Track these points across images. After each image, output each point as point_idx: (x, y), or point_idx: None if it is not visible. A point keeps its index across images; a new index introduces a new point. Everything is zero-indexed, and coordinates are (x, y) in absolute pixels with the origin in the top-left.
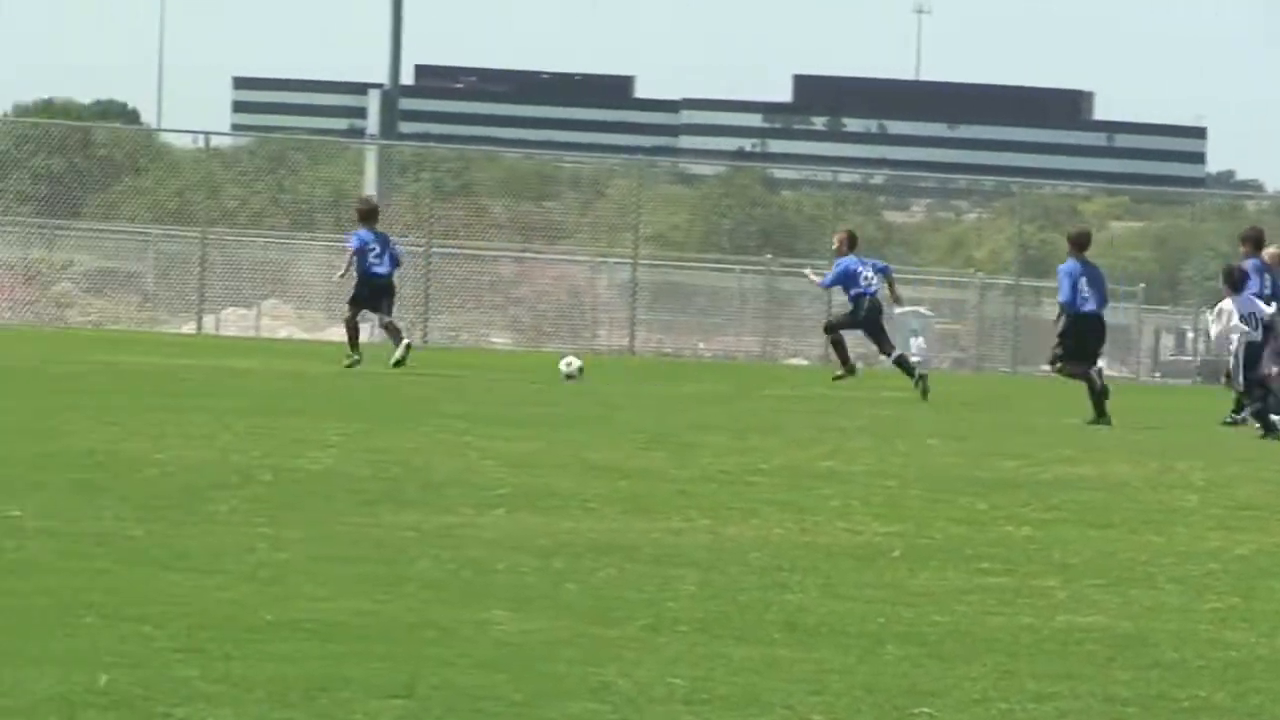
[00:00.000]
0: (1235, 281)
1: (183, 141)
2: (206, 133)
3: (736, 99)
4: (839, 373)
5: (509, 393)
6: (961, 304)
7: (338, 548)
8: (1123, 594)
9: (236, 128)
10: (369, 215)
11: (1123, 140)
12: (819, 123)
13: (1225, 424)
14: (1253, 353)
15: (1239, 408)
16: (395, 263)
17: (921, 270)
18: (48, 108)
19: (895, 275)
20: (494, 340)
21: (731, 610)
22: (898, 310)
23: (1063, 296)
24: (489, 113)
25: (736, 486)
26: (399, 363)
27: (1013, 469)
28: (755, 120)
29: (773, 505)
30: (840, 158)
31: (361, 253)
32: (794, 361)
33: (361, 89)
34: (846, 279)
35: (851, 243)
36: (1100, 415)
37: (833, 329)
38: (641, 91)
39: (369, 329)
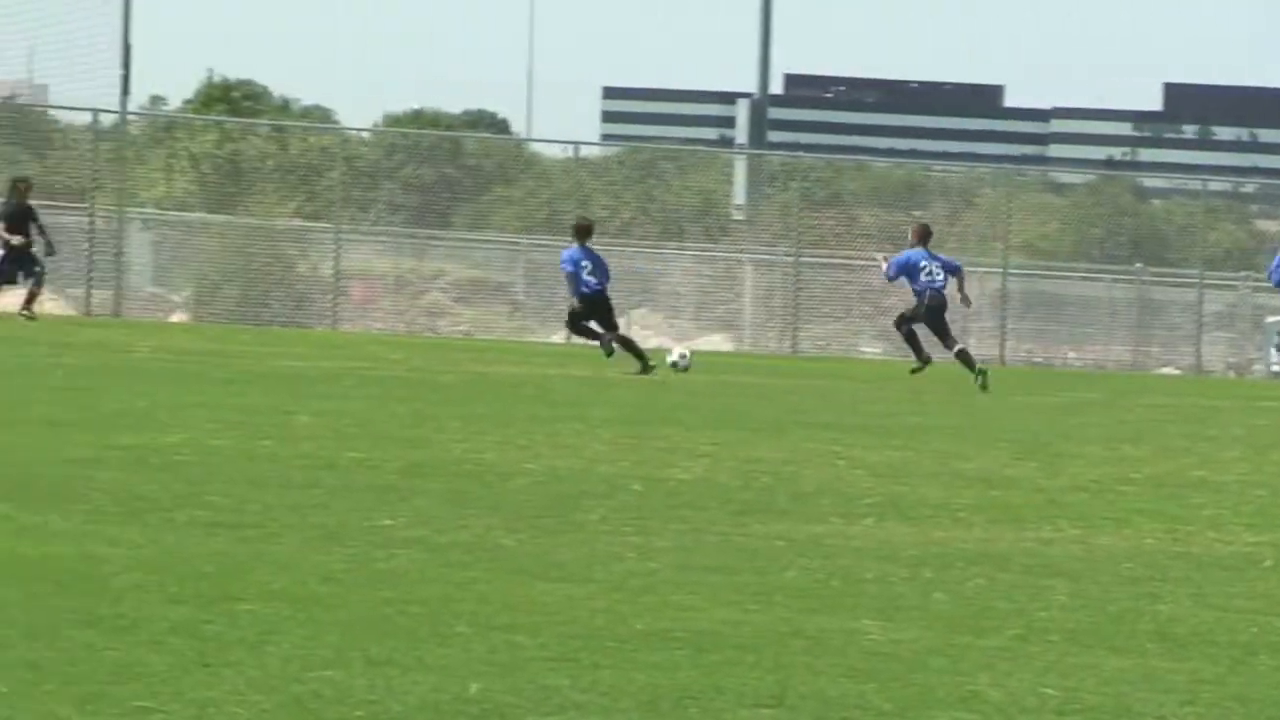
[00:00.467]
0: None
1: (552, 151)
2: (576, 143)
3: (1106, 108)
4: (915, 365)
5: (878, 402)
6: None
7: (707, 557)
8: None
9: (606, 138)
10: (585, 232)
11: None
12: (1189, 131)
13: None
14: None
15: None
16: (606, 276)
17: None
18: (418, 118)
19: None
20: (863, 350)
21: (1102, 620)
22: (1269, 319)
23: None
24: (857, 122)
25: (1107, 496)
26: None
27: None
28: (1125, 129)
29: (1144, 515)
30: (1210, 166)
31: (575, 273)
32: (1165, 371)
33: (730, 98)
34: (908, 271)
35: (923, 236)
36: None
37: (902, 323)
38: (1011, 100)
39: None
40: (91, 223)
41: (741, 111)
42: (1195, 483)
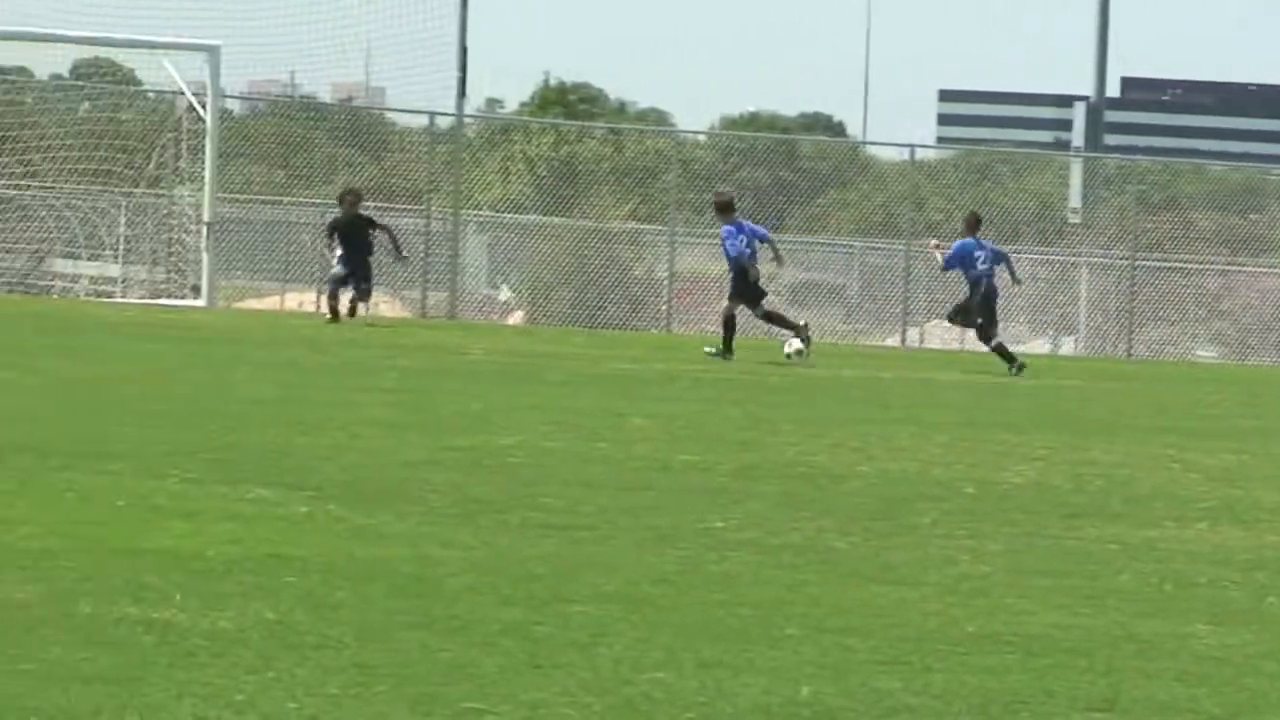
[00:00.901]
0: None
1: (888, 154)
2: (911, 145)
3: None
4: (1013, 370)
5: (1214, 406)
6: None
7: (1039, 560)
8: None
9: (941, 140)
10: (728, 208)
11: None
12: None
13: None
14: None
15: None
16: (756, 250)
17: None
18: (753, 120)
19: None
20: (1199, 353)
21: None
22: None
23: None
24: (1193, 125)
25: None
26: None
27: None
28: None
29: None
30: None
31: (740, 249)
32: None
33: (1067, 101)
34: (962, 261)
35: (974, 225)
36: None
37: (957, 316)
38: None
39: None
40: (427, 225)
41: (1078, 114)
42: None
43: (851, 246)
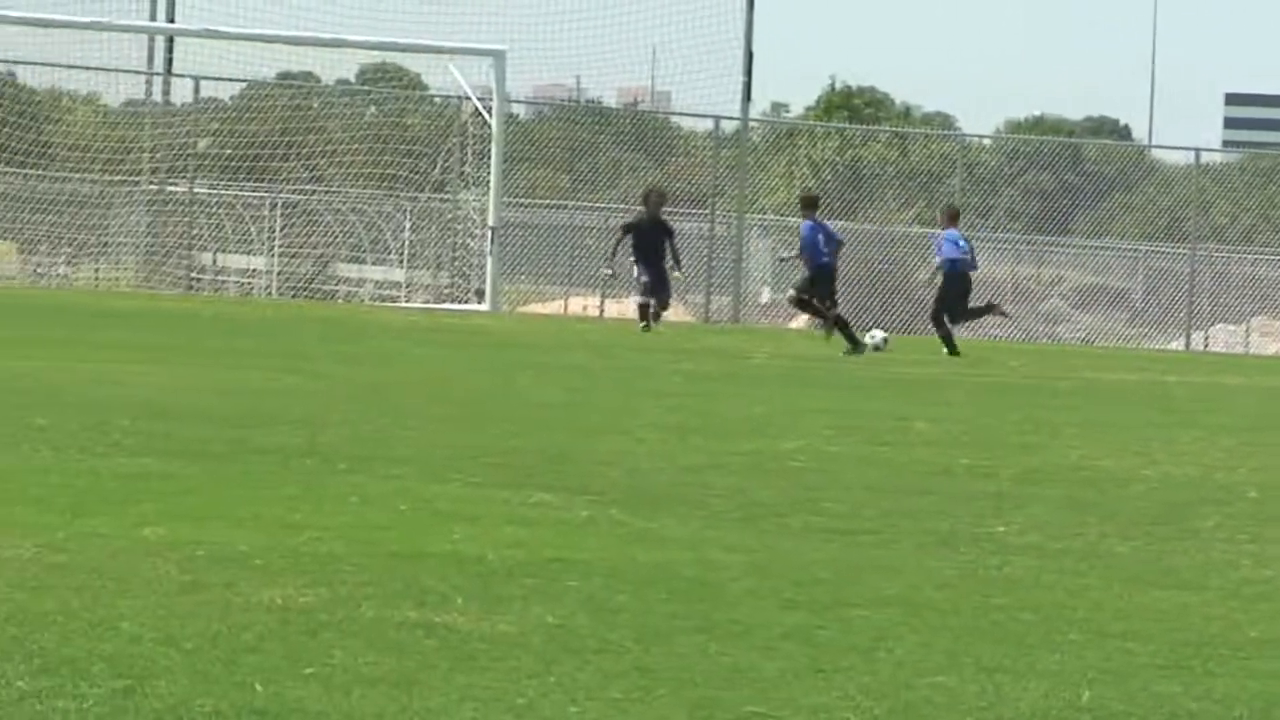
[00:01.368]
0: None
1: (1174, 158)
2: (1197, 149)
3: None
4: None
5: None
6: None
7: None
8: None
9: (1228, 144)
10: (813, 205)
11: None
12: None
13: None
14: None
15: None
16: (837, 249)
17: None
18: (1039, 124)
19: None
20: None
21: None
22: None
23: None
24: None
25: None
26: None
27: None
28: None
29: None
30: None
31: (815, 245)
32: None
33: None
34: (950, 251)
35: (953, 218)
36: None
37: (942, 312)
38: None
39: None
40: (711, 229)
41: None
42: None
43: (1136, 250)
